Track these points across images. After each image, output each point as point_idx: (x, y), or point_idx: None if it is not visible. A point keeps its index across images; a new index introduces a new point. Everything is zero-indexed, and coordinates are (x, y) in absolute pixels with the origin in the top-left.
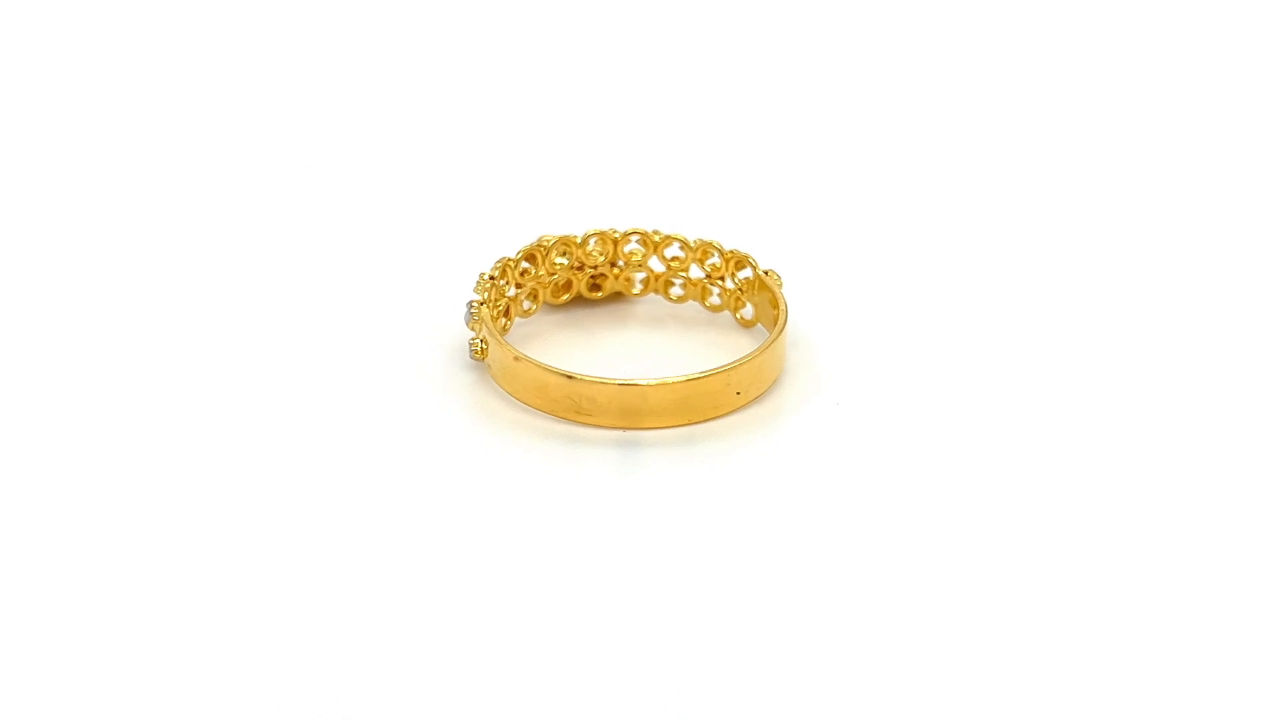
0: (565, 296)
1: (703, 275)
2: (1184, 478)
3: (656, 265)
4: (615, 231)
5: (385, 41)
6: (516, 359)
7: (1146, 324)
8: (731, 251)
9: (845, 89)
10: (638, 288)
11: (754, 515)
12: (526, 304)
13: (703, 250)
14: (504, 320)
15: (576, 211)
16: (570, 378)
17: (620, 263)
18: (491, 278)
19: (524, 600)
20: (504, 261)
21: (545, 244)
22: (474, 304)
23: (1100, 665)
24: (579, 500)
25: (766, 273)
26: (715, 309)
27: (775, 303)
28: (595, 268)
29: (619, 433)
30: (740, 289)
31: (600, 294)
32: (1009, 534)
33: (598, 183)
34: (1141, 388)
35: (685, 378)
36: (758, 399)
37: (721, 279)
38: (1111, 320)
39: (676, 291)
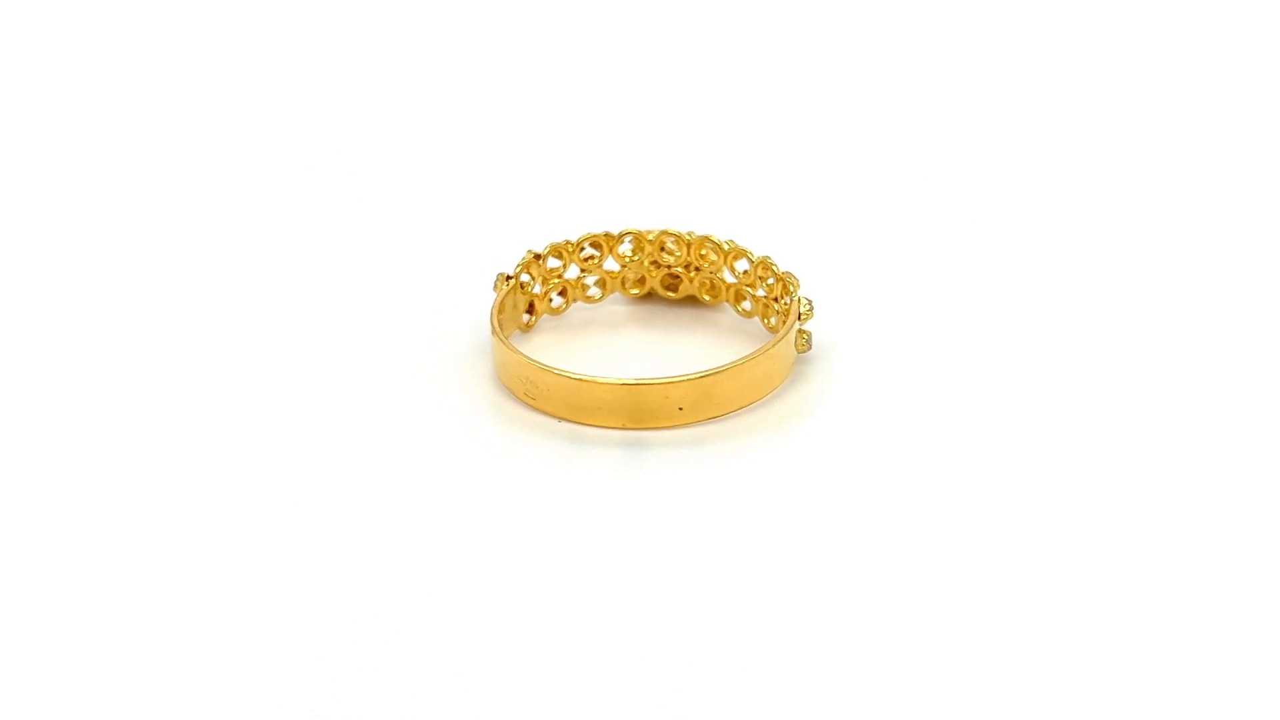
0: (636, 291)
1: (764, 294)
2: (1201, 507)
3: (728, 276)
4: (691, 234)
5: (434, 43)
6: (493, 333)
7: (1152, 331)
8: (784, 274)
9: (910, 110)
10: (711, 295)
11: (751, 518)
12: (593, 290)
13: (762, 268)
14: (560, 300)
15: (649, 210)
16: (521, 358)
17: (698, 267)
18: (537, 256)
19: (524, 600)
20: (561, 244)
21: (614, 234)
22: (500, 276)
23: (1102, 672)
24: (579, 500)
25: (799, 299)
26: (773, 329)
27: (782, 325)
28: (670, 267)
29: (623, 433)
30: (783, 313)
31: (676, 295)
32: (1010, 540)
33: (671, 183)
34: (1138, 384)
35: (619, 381)
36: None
37: (776, 299)
38: (1125, 331)
39: (746, 306)
